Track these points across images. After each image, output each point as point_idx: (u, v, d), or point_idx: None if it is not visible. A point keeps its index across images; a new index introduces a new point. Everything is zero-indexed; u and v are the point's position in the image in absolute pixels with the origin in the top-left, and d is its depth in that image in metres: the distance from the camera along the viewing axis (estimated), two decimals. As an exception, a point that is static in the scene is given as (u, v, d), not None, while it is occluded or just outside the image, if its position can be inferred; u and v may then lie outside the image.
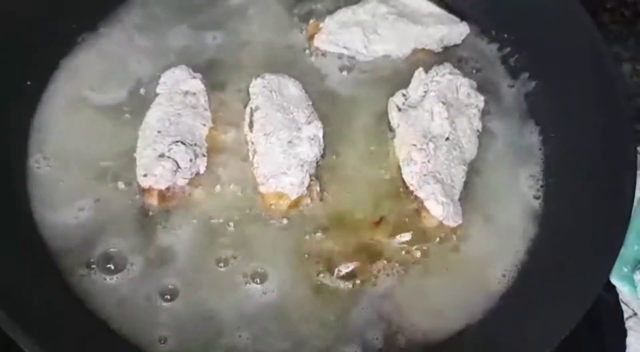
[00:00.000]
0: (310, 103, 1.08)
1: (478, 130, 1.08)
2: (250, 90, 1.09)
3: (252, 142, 1.04)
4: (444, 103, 1.06)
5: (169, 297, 0.95)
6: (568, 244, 0.96)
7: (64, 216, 1.00)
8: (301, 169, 1.00)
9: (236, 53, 1.16)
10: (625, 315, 1.06)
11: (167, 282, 0.96)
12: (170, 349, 0.92)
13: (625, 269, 1.07)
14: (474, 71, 1.15)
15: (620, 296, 1.07)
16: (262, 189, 1.01)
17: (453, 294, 0.97)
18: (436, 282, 0.97)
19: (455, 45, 1.17)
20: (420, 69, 1.11)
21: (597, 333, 1.06)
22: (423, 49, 1.16)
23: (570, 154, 1.04)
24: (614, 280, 1.07)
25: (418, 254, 0.99)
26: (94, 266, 0.97)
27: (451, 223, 1.00)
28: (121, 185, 1.02)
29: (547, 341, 0.83)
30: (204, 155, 1.04)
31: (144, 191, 1.01)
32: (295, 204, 1.00)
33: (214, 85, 1.11)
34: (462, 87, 1.09)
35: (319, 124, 1.04)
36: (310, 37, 1.17)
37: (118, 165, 1.04)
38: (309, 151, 1.01)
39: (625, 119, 0.98)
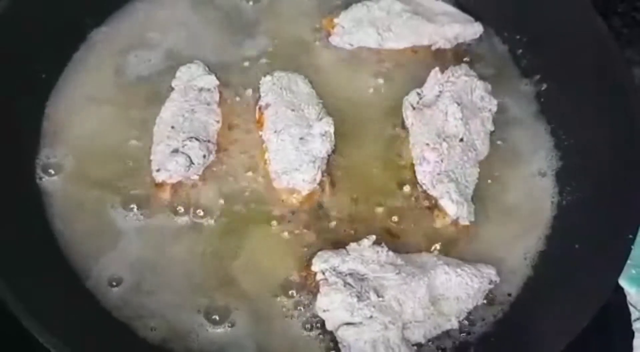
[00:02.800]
0: (321, 100, 1.08)
1: (491, 132, 1.08)
2: (260, 87, 1.09)
3: (264, 140, 1.04)
4: (458, 104, 1.06)
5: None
6: (580, 244, 0.96)
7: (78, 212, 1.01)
8: (313, 165, 1.00)
9: (247, 50, 1.16)
10: (633, 317, 1.06)
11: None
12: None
13: (634, 272, 1.08)
14: (486, 72, 1.15)
15: (628, 298, 1.08)
16: (274, 184, 1.01)
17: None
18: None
19: (468, 45, 1.18)
20: (437, 68, 1.11)
21: (604, 335, 1.06)
22: (437, 48, 1.16)
23: (582, 156, 1.05)
24: (622, 282, 1.08)
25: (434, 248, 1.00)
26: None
27: (465, 222, 1.00)
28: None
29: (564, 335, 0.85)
30: (216, 152, 1.04)
31: (156, 185, 1.01)
32: (307, 199, 1.01)
33: (225, 82, 1.11)
34: (477, 89, 1.10)
35: (330, 120, 1.04)
36: (325, 33, 1.17)
37: (131, 159, 1.05)
38: (321, 147, 1.02)
39: (637, 123, 0.98)
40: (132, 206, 1.01)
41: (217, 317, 0.94)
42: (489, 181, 1.06)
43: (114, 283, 0.95)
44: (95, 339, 0.88)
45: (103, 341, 0.89)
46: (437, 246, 1.00)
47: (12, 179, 0.98)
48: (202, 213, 1.01)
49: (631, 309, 1.07)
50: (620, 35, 1.43)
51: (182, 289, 0.96)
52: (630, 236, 0.89)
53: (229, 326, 0.93)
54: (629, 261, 1.07)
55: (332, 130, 1.04)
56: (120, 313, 0.94)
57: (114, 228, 1.00)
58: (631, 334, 1.05)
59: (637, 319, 1.07)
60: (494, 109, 1.09)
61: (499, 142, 1.09)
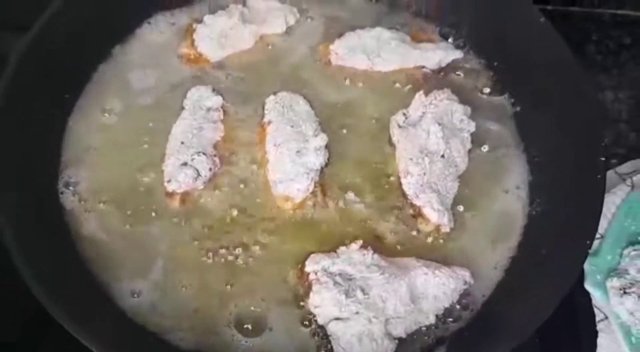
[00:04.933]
0: (317, 118, 1.19)
1: (470, 149, 1.19)
2: (265, 106, 1.21)
3: (266, 151, 1.15)
4: (439, 124, 1.16)
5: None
6: (546, 250, 1.06)
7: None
8: (307, 176, 1.11)
9: (255, 73, 1.28)
10: (597, 318, 1.15)
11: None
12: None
13: (599, 277, 1.16)
14: (466, 94, 1.25)
15: (594, 301, 1.16)
16: (272, 191, 1.12)
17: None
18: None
19: (450, 68, 1.28)
20: (421, 92, 1.22)
21: (572, 333, 1.16)
22: (421, 70, 1.28)
23: (549, 171, 1.15)
24: (588, 287, 1.16)
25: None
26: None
27: (446, 228, 1.11)
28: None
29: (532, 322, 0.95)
30: (221, 164, 1.15)
31: (167, 194, 1.12)
32: (300, 206, 1.11)
33: (233, 102, 1.23)
34: (457, 112, 1.20)
35: (324, 136, 1.15)
36: (323, 58, 1.28)
37: (146, 172, 1.15)
38: (315, 160, 1.13)
39: (596, 143, 1.09)
40: (150, 222, 1.10)
41: (250, 327, 1.02)
42: (468, 193, 1.15)
43: (135, 295, 1.04)
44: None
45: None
46: (419, 250, 1.10)
47: (37, 197, 1.07)
48: (208, 223, 1.10)
49: (596, 311, 1.15)
50: (594, 62, 1.54)
51: (202, 300, 1.04)
52: (588, 242, 0.99)
53: (269, 330, 1.02)
54: (594, 268, 1.18)
55: (325, 145, 1.15)
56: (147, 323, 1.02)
57: (134, 242, 1.08)
58: (595, 334, 1.14)
59: (601, 320, 1.14)
60: (472, 129, 1.19)
61: (477, 158, 1.18)
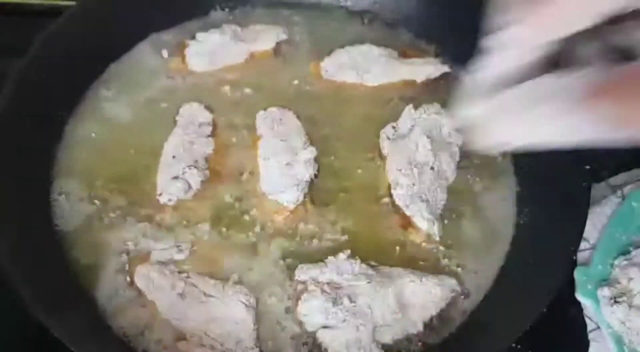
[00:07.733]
0: (307, 132, 1.22)
1: (459, 161, 1.21)
2: (256, 121, 1.24)
3: (257, 164, 1.18)
4: (428, 137, 1.18)
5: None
6: (532, 259, 1.08)
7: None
8: (297, 188, 1.13)
9: (245, 88, 1.30)
10: (589, 328, 1.13)
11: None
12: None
13: (590, 287, 1.15)
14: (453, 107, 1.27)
15: (585, 311, 1.14)
16: (263, 203, 1.14)
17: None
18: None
19: (438, 83, 1.31)
20: (410, 106, 1.24)
21: (564, 343, 1.15)
22: (410, 85, 1.30)
23: (536, 183, 1.16)
24: (579, 296, 1.15)
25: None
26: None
27: (436, 237, 1.12)
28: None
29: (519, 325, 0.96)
30: (211, 176, 1.17)
31: (159, 207, 1.14)
32: (290, 217, 1.13)
33: (225, 117, 1.25)
34: (445, 126, 1.22)
35: (313, 149, 1.17)
36: (314, 75, 1.31)
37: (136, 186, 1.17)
38: (304, 172, 1.15)
39: (583, 151, 1.08)
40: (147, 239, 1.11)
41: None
42: (457, 204, 1.17)
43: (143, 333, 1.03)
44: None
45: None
46: (409, 259, 1.11)
47: (32, 221, 1.08)
48: (198, 235, 1.12)
49: (587, 320, 1.14)
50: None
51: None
52: (573, 249, 1.00)
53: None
54: (585, 278, 1.17)
55: (314, 157, 1.16)
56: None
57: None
58: (587, 343, 1.13)
59: (592, 329, 1.13)
60: (460, 143, 1.21)
61: (466, 170, 1.20)
